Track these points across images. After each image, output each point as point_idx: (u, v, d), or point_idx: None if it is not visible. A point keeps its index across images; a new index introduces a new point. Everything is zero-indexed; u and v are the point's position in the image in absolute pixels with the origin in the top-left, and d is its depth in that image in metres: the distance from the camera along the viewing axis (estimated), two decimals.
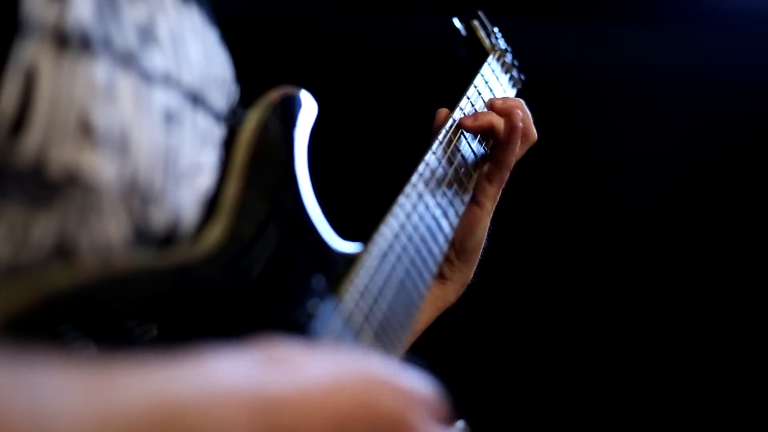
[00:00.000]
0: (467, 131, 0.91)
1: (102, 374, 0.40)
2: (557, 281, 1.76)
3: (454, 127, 0.89)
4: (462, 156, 0.89)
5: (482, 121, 0.91)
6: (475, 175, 0.90)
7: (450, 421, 0.58)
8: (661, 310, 1.73)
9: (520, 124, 0.90)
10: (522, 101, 0.96)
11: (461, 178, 0.87)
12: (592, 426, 1.72)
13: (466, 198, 0.88)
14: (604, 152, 1.76)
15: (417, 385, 0.54)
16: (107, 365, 0.41)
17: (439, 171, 0.83)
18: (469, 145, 0.91)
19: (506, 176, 0.93)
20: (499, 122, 0.91)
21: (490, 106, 0.94)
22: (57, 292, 0.45)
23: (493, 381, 1.69)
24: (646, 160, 1.75)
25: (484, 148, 0.93)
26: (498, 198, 0.94)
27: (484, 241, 0.94)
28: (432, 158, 0.84)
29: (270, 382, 0.46)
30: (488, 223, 0.94)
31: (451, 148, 0.87)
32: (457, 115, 0.92)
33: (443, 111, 0.92)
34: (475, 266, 0.95)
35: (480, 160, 0.92)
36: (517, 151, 0.92)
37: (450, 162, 0.86)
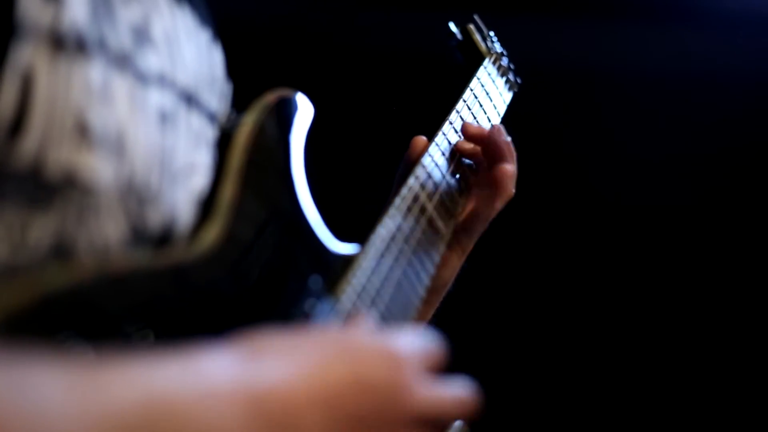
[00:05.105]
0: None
1: (93, 373, 0.40)
2: (554, 283, 1.75)
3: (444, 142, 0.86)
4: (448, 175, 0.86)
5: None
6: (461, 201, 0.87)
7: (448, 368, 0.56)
8: (661, 311, 1.73)
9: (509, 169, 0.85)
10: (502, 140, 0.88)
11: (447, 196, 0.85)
12: (592, 426, 1.72)
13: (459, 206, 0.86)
14: (602, 153, 1.76)
15: (405, 343, 0.53)
16: (98, 364, 0.41)
17: (429, 182, 0.83)
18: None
19: (484, 228, 0.88)
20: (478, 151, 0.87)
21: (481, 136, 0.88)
22: (54, 293, 0.46)
23: (493, 382, 1.69)
24: (644, 160, 1.75)
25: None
26: (471, 247, 0.88)
27: (450, 285, 0.87)
28: (427, 160, 0.84)
29: (255, 374, 0.46)
30: (458, 268, 0.87)
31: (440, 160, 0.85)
32: (453, 117, 0.93)
33: (421, 140, 0.87)
34: (434, 309, 0.87)
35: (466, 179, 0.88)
36: (500, 204, 0.87)
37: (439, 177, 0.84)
